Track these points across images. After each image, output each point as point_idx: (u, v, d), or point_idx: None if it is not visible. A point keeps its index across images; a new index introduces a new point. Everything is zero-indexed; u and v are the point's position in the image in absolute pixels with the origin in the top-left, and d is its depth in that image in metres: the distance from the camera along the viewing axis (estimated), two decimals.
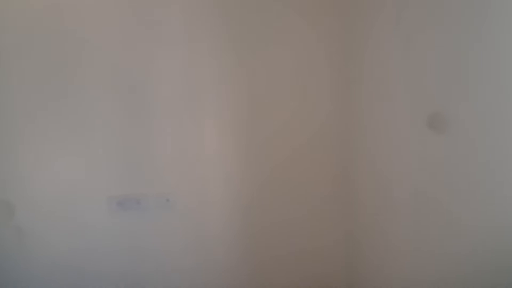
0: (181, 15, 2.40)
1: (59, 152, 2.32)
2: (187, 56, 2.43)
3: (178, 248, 2.47)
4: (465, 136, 1.78)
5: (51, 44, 2.27)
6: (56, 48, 2.27)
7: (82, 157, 2.34)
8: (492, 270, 1.68)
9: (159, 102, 2.41)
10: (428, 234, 2.00)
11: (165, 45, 2.40)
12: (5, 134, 2.26)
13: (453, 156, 1.83)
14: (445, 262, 1.92)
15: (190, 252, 2.48)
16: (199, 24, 2.42)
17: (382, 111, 2.29)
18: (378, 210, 2.37)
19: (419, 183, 2.05)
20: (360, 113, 2.49)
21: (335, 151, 2.64)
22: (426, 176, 2.00)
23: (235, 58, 2.48)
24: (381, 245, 2.37)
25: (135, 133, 2.39)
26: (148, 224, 2.44)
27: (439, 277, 1.95)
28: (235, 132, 2.50)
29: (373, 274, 2.47)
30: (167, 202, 2.45)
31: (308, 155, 2.59)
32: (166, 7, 2.37)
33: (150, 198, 2.43)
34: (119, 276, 2.41)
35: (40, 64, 2.25)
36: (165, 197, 2.44)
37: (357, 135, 2.52)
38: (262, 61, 2.51)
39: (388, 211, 2.28)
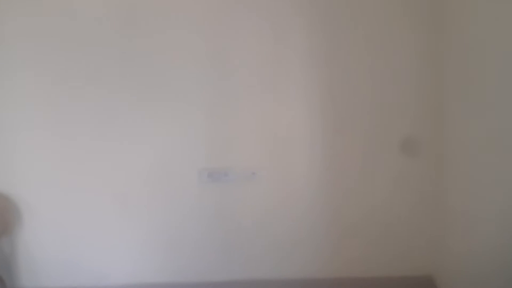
0: None
1: (158, 128, 2.52)
2: (275, 35, 2.43)
3: (262, 218, 2.63)
4: None
5: (146, 30, 2.38)
6: (150, 34, 2.41)
7: (178, 133, 2.53)
8: None
9: (248, 81, 2.47)
10: None
11: (252, 24, 2.42)
12: (112, 116, 2.50)
13: None
14: None
15: (273, 222, 2.63)
16: (288, 3, 2.40)
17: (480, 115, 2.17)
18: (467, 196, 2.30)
19: None
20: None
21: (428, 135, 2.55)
22: None
23: (325, 36, 2.43)
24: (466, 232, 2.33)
25: (225, 111, 2.51)
26: (234, 195, 2.60)
27: None
28: (322, 110, 2.51)
29: (456, 262, 2.43)
30: (253, 175, 2.58)
31: (395, 138, 2.56)
32: None
33: (237, 171, 2.57)
34: (208, 241, 2.65)
35: (142, 50, 2.42)
36: (251, 170, 2.57)
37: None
38: (353, 41, 2.45)
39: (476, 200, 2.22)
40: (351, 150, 2.56)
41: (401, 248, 2.66)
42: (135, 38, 2.43)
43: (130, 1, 2.40)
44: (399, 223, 2.62)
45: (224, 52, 2.44)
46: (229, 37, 2.43)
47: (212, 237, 2.64)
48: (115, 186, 2.58)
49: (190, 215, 2.61)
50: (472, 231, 2.18)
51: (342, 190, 2.60)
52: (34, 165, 2.56)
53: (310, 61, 2.45)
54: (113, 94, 2.48)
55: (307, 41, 2.43)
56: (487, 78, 1.95)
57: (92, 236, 2.64)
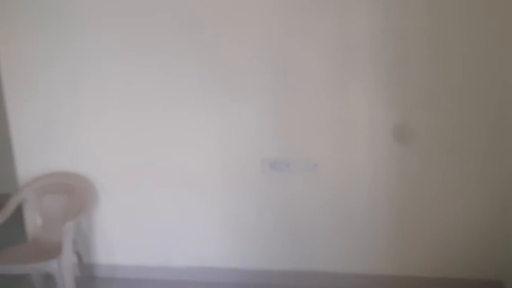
0: None
1: (225, 117, 2.61)
2: (339, 26, 2.40)
3: (322, 209, 2.63)
4: None
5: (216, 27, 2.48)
6: (221, 30, 2.51)
7: (244, 123, 2.60)
8: None
9: (313, 74, 2.47)
10: None
11: (317, 13, 2.41)
12: (182, 107, 2.64)
13: None
14: None
15: (333, 215, 2.62)
16: None
17: None
18: None
19: None
20: None
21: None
22: None
23: (388, 20, 2.35)
24: None
25: (290, 103, 2.53)
26: (296, 185, 2.62)
27: None
28: (384, 102, 2.45)
29: None
30: (314, 167, 2.58)
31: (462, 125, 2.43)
32: None
33: (299, 162, 2.58)
34: (267, 230, 2.71)
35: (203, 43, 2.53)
36: (313, 162, 2.57)
37: None
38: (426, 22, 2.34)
39: None
40: (418, 146, 2.47)
41: (471, 251, 2.53)
42: (208, 34, 2.52)
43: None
44: (470, 224, 2.50)
45: (289, 47, 2.47)
46: (293, 33, 2.45)
47: (272, 226, 2.69)
48: (182, 173, 2.72)
49: (251, 203, 2.68)
50: None
51: (407, 187, 2.52)
52: (110, 151, 2.77)
53: (374, 55, 2.40)
54: (185, 86, 2.61)
55: (372, 32, 2.38)
56: None
57: (160, 219, 2.80)
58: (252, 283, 2.74)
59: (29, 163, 2.83)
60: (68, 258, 2.36)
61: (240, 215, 2.71)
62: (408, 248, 2.59)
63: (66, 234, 2.36)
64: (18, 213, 2.76)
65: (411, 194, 2.52)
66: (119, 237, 2.87)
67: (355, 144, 2.52)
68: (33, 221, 2.79)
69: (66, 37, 2.64)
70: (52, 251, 2.43)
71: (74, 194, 2.70)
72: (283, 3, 2.42)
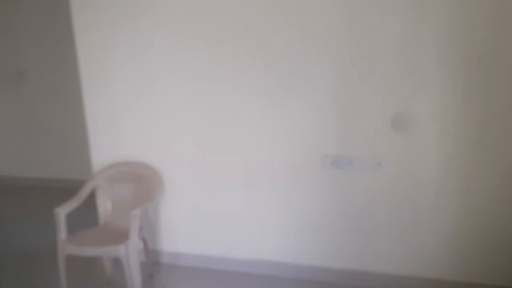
0: None
1: (288, 111, 2.61)
2: (406, 22, 2.31)
3: (384, 210, 2.55)
4: None
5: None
6: (288, 25, 2.50)
7: (306, 118, 2.58)
8: None
9: (376, 68, 2.40)
10: None
11: (382, 9, 2.33)
12: (246, 103, 2.68)
13: None
14: None
15: (396, 216, 2.53)
16: None
17: None
18: None
19: None
20: None
21: None
22: None
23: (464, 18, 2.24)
24: None
25: (351, 98, 2.48)
26: (358, 184, 2.57)
27: None
28: (452, 99, 2.32)
29: None
30: (378, 165, 2.51)
31: None
32: None
33: (362, 159, 2.53)
34: (326, 228, 2.67)
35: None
36: (377, 160, 2.50)
37: None
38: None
39: None
40: (494, 145, 2.32)
41: None
42: (273, 31, 2.54)
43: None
44: None
45: (354, 42, 2.41)
46: (357, 29, 2.39)
47: (331, 224, 2.66)
48: (245, 166, 2.76)
49: (312, 200, 2.66)
50: None
51: (477, 190, 2.38)
52: (175, 144, 2.87)
53: (450, 45, 2.27)
54: (250, 82, 2.64)
55: (448, 22, 2.26)
56: None
57: (223, 210, 2.87)
58: (309, 279, 2.73)
59: (102, 153, 3.04)
60: (134, 244, 2.49)
61: (300, 211, 2.70)
62: (477, 255, 2.44)
63: (133, 221, 2.48)
64: (91, 198, 2.95)
65: (483, 197, 2.37)
66: (182, 226, 2.98)
67: (424, 143, 2.40)
68: (104, 206, 2.98)
69: (139, 40, 2.80)
70: (121, 236, 2.57)
71: (142, 183, 2.84)
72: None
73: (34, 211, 4.32)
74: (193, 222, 2.95)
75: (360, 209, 2.59)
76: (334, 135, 2.55)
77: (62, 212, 2.57)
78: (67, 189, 3.02)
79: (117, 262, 2.81)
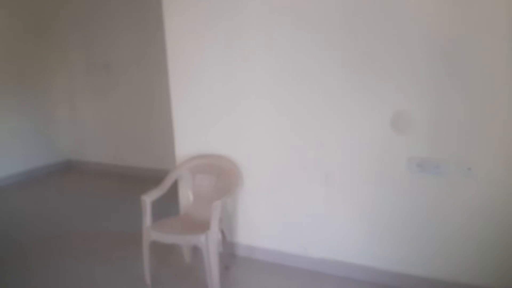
0: None
1: (372, 111, 2.54)
2: None
3: (472, 219, 2.40)
4: None
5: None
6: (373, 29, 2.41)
7: (386, 119, 2.50)
8: None
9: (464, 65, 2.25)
10: None
11: None
12: (329, 99, 2.65)
13: None
14: None
15: (485, 224, 2.37)
16: None
17: None
18: None
19: None
20: None
21: None
22: None
23: None
24: None
25: (441, 100, 2.35)
26: (445, 189, 2.44)
27: None
28: None
29: None
30: (468, 171, 2.36)
31: None
32: None
33: (450, 164, 2.39)
34: (409, 233, 2.57)
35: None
36: (467, 165, 2.36)
37: None
38: None
39: None
40: None
41: None
42: (359, 30, 2.49)
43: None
44: None
45: (450, 37, 2.28)
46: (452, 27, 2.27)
47: (413, 229, 2.55)
48: (323, 164, 2.73)
49: (393, 203, 2.58)
50: None
51: None
52: (257, 141, 2.92)
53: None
54: (332, 83, 2.61)
55: None
56: None
57: (299, 207, 2.86)
58: (386, 284, 2.65)
59: (185, 145, 3.16)
60: (214, 234, 2.55)
61: (381, 213, 2.62)
62: None
63: (214, 212, 2.55)
64: (174, 188, 3.08)
65: None
66: (259, 220, 3.02)
67: None
68: (186, 196, 3.10)
69: (228, 38, 2.87)
70: (201, 226, 2.65)
71: (222, 175, 2.91)
72: None
73: (116, 197, 4.60)
74: (269, 218, 2.97)
75: (444, 216, 2.46)
76: (422, 136, 2.44)
77: (148, 199, 2.70)
78: (149, 178, 3.16)
79: (195, 251, 2.91)
